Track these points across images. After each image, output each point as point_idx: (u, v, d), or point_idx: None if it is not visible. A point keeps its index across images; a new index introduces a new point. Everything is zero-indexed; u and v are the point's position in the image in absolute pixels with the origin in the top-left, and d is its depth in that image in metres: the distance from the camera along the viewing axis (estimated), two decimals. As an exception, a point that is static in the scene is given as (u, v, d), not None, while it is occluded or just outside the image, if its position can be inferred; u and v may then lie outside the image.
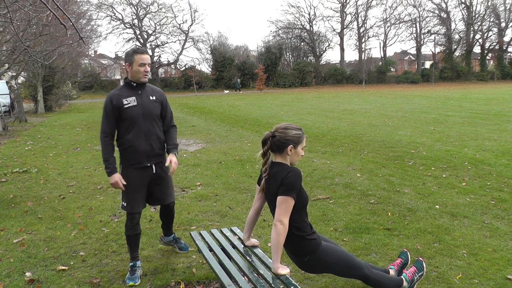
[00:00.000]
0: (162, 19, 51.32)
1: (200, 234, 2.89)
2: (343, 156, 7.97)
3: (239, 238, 2.79)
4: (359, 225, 4.28)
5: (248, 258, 2.48)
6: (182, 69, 50.34)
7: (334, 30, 60.14)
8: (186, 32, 51.78)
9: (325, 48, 57.64)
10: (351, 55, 79.79)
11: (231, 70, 48.58)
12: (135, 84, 3.22)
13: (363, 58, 54.76)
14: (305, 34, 57.20)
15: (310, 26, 57.16)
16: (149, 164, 3.26)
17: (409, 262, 3.09)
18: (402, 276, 2.87)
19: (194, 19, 67.80)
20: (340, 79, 51.71)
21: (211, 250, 2.62)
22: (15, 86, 14.78)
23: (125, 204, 3.29)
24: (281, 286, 2.12)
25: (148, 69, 3.20)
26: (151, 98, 3.26)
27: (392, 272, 2.95)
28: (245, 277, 2.28)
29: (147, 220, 4.67)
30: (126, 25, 49.68)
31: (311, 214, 4.67)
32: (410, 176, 6.20)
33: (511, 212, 4.55)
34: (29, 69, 17.25)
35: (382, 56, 56.17)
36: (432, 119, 13.33)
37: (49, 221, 4.65)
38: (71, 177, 6.74)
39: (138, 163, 3.24)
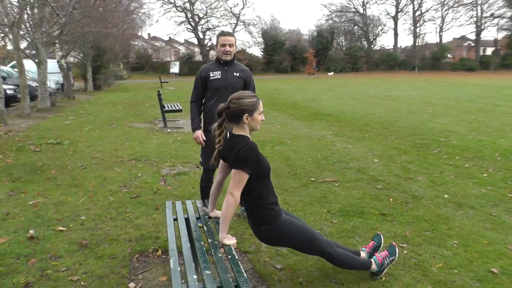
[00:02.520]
0: (213, 2, 51.69)
1: (173, 204, 3.00)
2: (368, 141, 7.78)
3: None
4: (355, 208, 4.21)
5: (206, 228, 2.55)
6: (233, 52, 50.54)
7: (388, 13, 57.84)
8: (237, 16, 51.85)
9: (378, 33, 55.59)
10: (406, 40, 75.80)
11: (281, 54, 48.22)
12: (222, 61, 3.66)
13: (417, 43, 52.15)
14: (358, 18, 55.33)
15: (364, 9, 55.24)
16: None
17: (381, 245, 3.01)
18: (372, 259, 2.82)
19: (246, 3, 67.67)
20: (392, 65, 49.68)
21: (175, 219, 2.72)
22: (64, 65, 15.67)
23: (201, 160, 3.85)
24: (220, 255, 2.17)
25: (229, 49, 3.60)
26: (235, 74, 3.69)
27: (363, 254, 2.90)
28: (192, 245, 2.36)
29: (152, 191, 4.86)
30: (178, 8, 50.45)
31: (312, 196, 4.66)
32: (429, 164, 5.95)
33: (526, 206, 4.26)
34: (78, 49, 18.20)
35: (438, 41, 53.02)
36: (477, 108, 12.55)
37: (65, 188, 4.98)
38: (97, 150, 7.12)
39: None
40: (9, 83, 13.76)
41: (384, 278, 2.84)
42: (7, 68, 15.89)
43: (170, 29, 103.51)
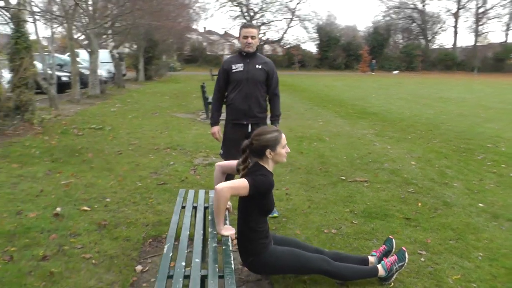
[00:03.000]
0: (269, -3, 51.39)
1: (186, 192, 3.03)
2: (408, 143, 7.47)
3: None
4: (379, 210, 4.05)
5: (210, 217, 2.56)
6: (286, 47, 50.50)
7: (448, 10, 54.83)
8: (293, 11, 51.52)
9: (437, 31, 52.96)
10: (466, 39, 70.46)
11: (336, 50, 47.53)
12: (244, 54, 3.66)
13: (479, 43, 49.06)
14: (417, 14, 53.08)
15: (423, 5, 52.83)
16: (245, 122, 3.70)
17: (393, 250, 2.88)
18: (379, 264, 2.70)
19: (301, -3, 66.95)
20: (450, 65, 47.17)
21: (183, 207, 2.74)
22: (116, 55, 16.38)
23: (221, 152, 3.88)
24: (215, 245, 2.17)
25: (251, 41, 3.58)
26: (257, 66, 3.66)
27: (372, 259, 2.80)
28: (191, 233, 2.37)
29: (180, 180, 4.96)
30: (234, 3, 50.84)
31: (338, 194, 4.55)
32: (469, 170, 5.60)
33: None
34: (131, 40, 18.89)
35: (504, 41, 49.50)
36: (538, 114, 11.66)
37: (97, 170, 5.19)
38: (136, 137, 7.37)
39: (235, 119, 3.74)
40: (65, 70, 14.58)
41: (393, 284, 2.71)
42: (64, 57, 16.84)
43: (225, 24, 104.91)
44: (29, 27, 12.24)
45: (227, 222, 2.54)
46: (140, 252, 3.11)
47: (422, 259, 3.07)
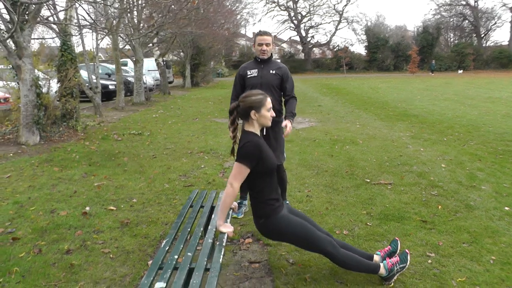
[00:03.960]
0: (316, 0, 51.35)
1: (198, 192, 3.21)
2: (443, 145, 7.26)
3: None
4: (396, 213, 4.02)
5: (214, 216, 2.71)
6: (335, 50, 50.16)
7: (504, 4, 51.76)
8: (341, 13, 51.06)
9: (491, 27, 50.25)
10: None
11: (384, 52, 46.61)
12: (259, 60, 3.84)
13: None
14: (469, 11, 50.71)
15: (475, 1, 50.36)
16: None
17: (398, 251, 2.88)
18: (381, 263, 2.72)
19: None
20: (505, 63, 44.51)
21: (191, 206, 2.92)
22: (161, 63, 17.09)
23: None
24: (210, 240, 2.31)
25: (265, 48, 3.76)
26: (271, 71, 3.82)
27: (376, 258, 2.82)
28: (191, 229, 2.54)
29: (207, 182, 5.17)
30: (281, 7, 51.18)
31: (359, 197, 4.55)
32: (502, 173, 5.38)
33: None
34: (178, 48, 19.60)
35: None
36: None
37: (130, 173, 5.53)
38: (172, 142, 7.71)
39: None
40: (113, 79, 15.44)
41: (393, 284, 2.72)
42: (113, 66, 17.78)
43: (273, 28, 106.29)
44: (76, 39, 13.11)
45: (228, 220, 2.69)
46: (156, 248, 3.33)
47: (429, 261, 3.05)
